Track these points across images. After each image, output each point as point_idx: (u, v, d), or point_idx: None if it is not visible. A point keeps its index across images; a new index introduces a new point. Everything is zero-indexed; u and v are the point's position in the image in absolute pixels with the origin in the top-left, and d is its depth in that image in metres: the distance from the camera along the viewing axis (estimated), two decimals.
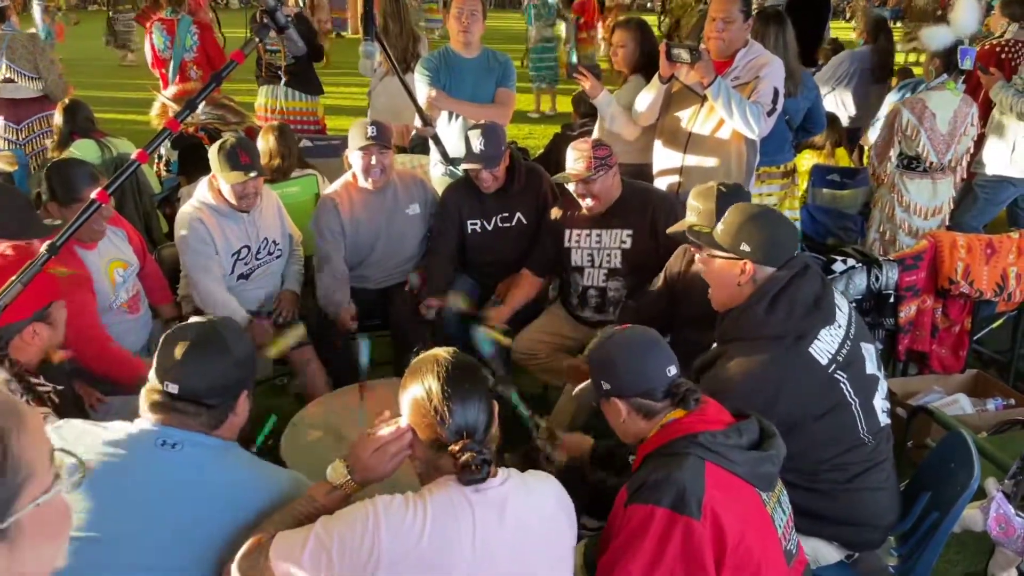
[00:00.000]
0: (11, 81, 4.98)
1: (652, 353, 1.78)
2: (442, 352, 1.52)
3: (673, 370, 1.76)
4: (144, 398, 1.55)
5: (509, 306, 3.21)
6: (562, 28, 9.49)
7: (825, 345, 2.00)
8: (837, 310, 2.08)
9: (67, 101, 4.21)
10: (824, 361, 1.99)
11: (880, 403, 2.12)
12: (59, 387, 1.99)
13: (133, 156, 2.00)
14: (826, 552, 2.09)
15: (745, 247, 2.04)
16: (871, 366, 2.11)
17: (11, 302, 1.83)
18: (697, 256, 2.21)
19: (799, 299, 2.01)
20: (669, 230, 2.44)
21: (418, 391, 1.47)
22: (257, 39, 2.23)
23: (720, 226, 2.11)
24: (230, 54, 2.14)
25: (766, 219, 2.09)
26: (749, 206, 2.17)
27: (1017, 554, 2.32)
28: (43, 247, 1.96)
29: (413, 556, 1.34)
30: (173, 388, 1.51)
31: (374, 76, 5.04)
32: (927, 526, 2.10)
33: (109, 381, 2.55)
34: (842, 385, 2.01)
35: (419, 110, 3.49)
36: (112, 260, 2.87)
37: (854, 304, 3.30)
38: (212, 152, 3.01)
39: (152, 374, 1.56)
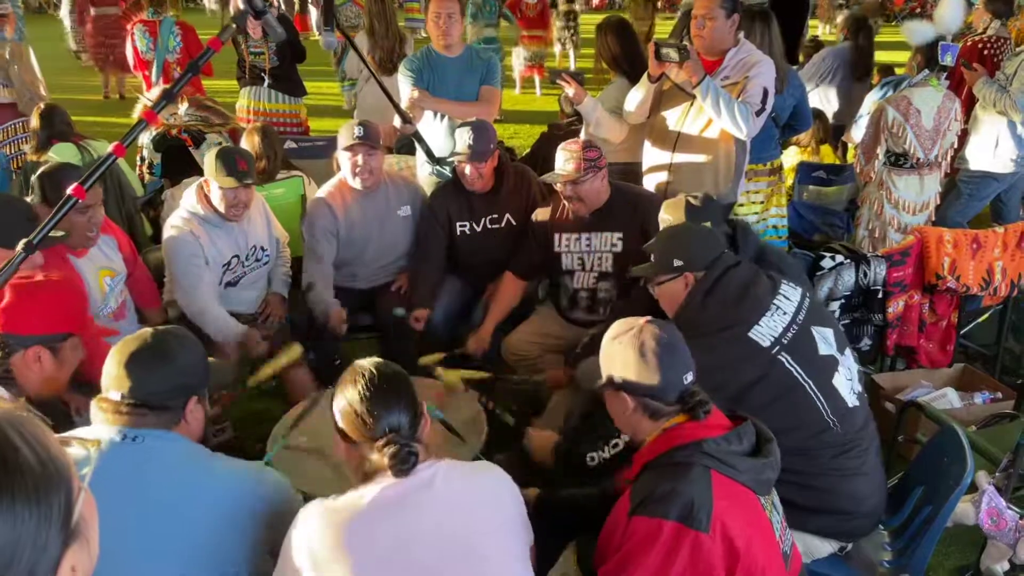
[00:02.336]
0: None
1: (672, 356, 1.72)
2: (364, 363, 1.62)
3: (690, 377, 1.72)
4: (94, 407, 1.57)
5: (490, 322, 3.20)
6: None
7: (767, 329, 2.11)
8: (781, 297, 2.19)
9: (43, 106, 4.16)
10: (766, 344, 2.09)
11: (844, 384, 2.14)
12: (49, 421, 1.94)
13: (110, 149, 1.97)
14: (817, 545, 2.09)
15: (677, 262, 2.25)
16: (826, 348, 2.17)
17: None
18: (652, 291, 2.36)
19: (730, 291, 2.18)
20: (633, 271, 2.48)
21: (343, 401, 1.57)
22: (235, 25, 2.20)
23: (653, 257, 2.34)
24: (206, 41, 2.11)
25: (684, 232, 2.38)
26: (668, 229, 2.48)
27: (1009, 546, 2.33)
28: (19, 245, 1.92)
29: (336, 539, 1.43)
30: (116, 395, 1.55)
31: (359, 77, 5.02)
32: (921, 520, 2.11)
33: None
34: (789, 367, 2.08)
35: (398, 109, 3.47)
36: (101, 268, 2.83)
37: (843, 300, 3.33)
38: (208, 156, 2.97)
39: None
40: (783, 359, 2.09)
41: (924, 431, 2.79)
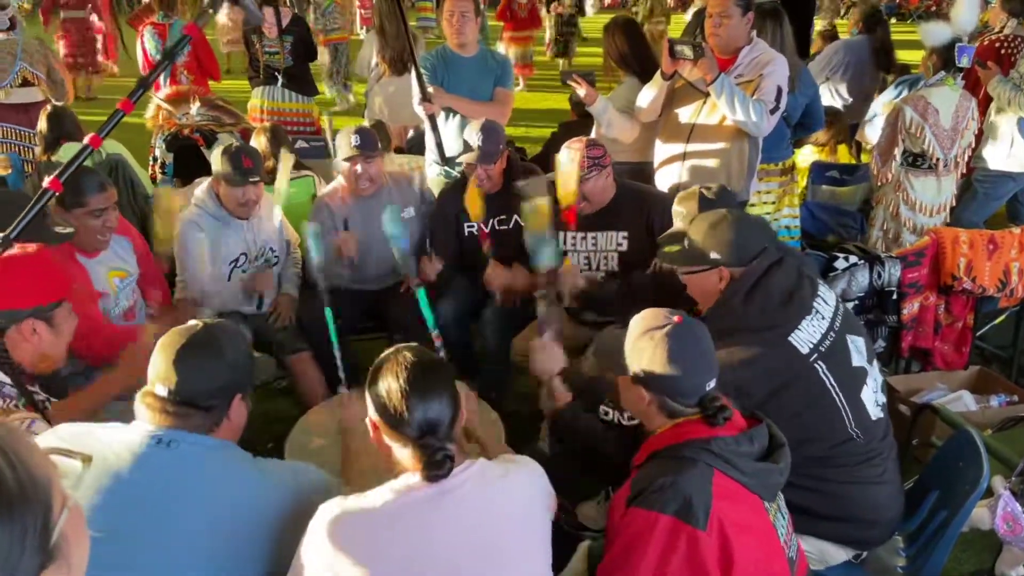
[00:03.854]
0: (28, 84, 5.00)
1: (699, 360, 1.68)
2: (405, 350, 1.53)
3: (712, 384, 1.68)
4: (139, 401, 1.54)
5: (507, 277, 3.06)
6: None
7: (806, 335, 2.01)
8: (820, 300, 2.09)
9: (49, 108, 4.19)
10: (805, 351, 2.00)
11: (870, 396, 2.10)
12: (53, 399, 1.94)
13: (86, 141, 1.96)
14: (832, 552, 2.06)
15: (715, 255, 2.09)
16: (858, 358, 2.10)
17: None
18: (680, 278, 2.22)
19: (774, 290, 2.04)
20: (660, 259, 2.39)
21: (380, 387, 1.49)
22: (211, 11, 2.19)
23: (687, 243, 2.16)
24: (185, 28, 2.09)
25: (727, 222, 2.13)
26: (709, 215, 2.20)
27: None
28: None
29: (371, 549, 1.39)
30: (163, 391, 1.51)
31: (370, 77, 5.02)
32: (935, 525, 2.08)
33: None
34: (822, 376, 2.00)
35: (422, 88, 3.43)
36: (112, 269, 2.84)
37: (857, 301, 3.30)
38: (215, 156, 2.98)
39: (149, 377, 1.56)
40: (819, 367, 2.00)
41: (939, 434, 2.76)
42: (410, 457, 1.46)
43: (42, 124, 4.09)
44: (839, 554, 2.08)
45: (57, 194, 1.92)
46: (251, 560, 1.50)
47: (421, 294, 2.60)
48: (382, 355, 1.55)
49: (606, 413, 2.18)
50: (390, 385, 1.48)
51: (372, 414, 1.52)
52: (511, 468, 1.56)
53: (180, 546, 1.44)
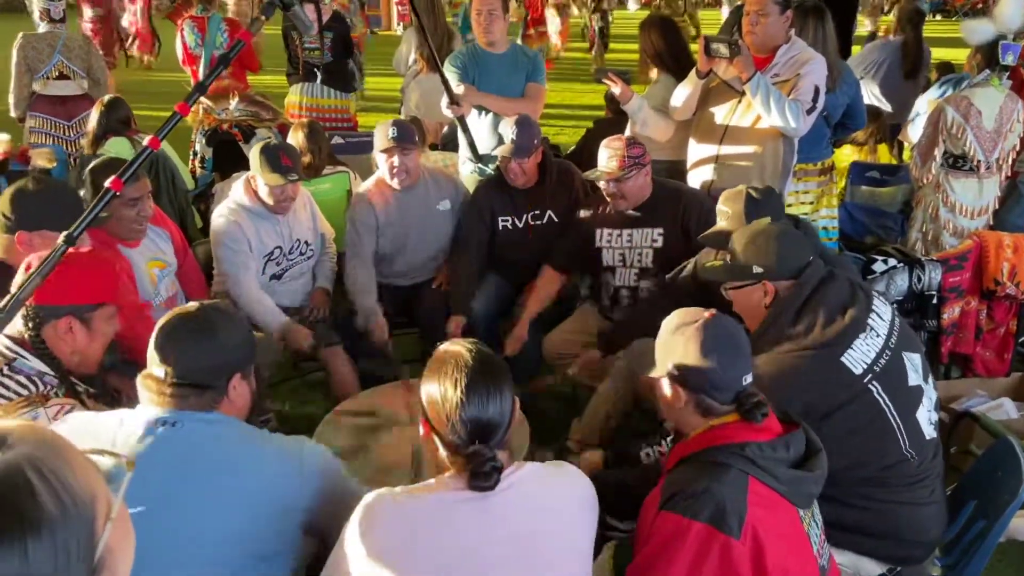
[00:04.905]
0: (64, 78, 5.12)
1: (734, 355, 1.66)
2: (464, 349, 1.47)
3: (748, 379, 1.66)
4: (140, 383, 1.58)
5: (526, 318, 3.16)
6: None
7: (859, 355, 1.93)
8: (875, 316, 2.00)
9: (106, 99, 4.25)
10: (858, 371, 1.92)
11: (925, 416, 2.03)
12: (91, 390, 1.98)
13: (145, 143, 1.99)
14: (867, 566, 2.01)
15: (758, 268, 2.02)
16: (915, 377, 2.02)
17: (29, 296, 1.81)
18: (724, 294, 2.16)
19: (825, 308, 1.96)
20: (701, 273, 2.37)
21: (435, 389, 1.44)
22: (263, 17, 2.21)
23: (729, 258, 2.11)
24: (239, 33, 2.13)
25: (769, 234, 2.07)
26: (750, 228, 2.15)
27: None
28: (60, 237, 1.95)
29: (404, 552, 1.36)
30: (160, 372, 1.55)
31: (407, 74, 5.05)
32: (973, 535, 2.04)
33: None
34: (877, 398, 1.92)
35: (449, 92, 3.46)
36: (151, 259, 2.89)
37: (895, 305, 3.23)
38: (253, 152, 3.02)
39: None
40: (873, 388, 1.92)
41: (978, 442, 2.70)
42: (458, 463, 1.42)
43: (94, 116, 4.17)
44: (874, 568, 2.03)
45: (115, 192, 1.95)
46: (254, 535, 1.51)
47: None
48: (438, 350, 1.50)
49: (647, 456, 2.19)
50: (444, 387, 1.42)
51: (423, 414, 1.48)
52: (556, 471, 1.54)
53: (191, 523, 1.47)
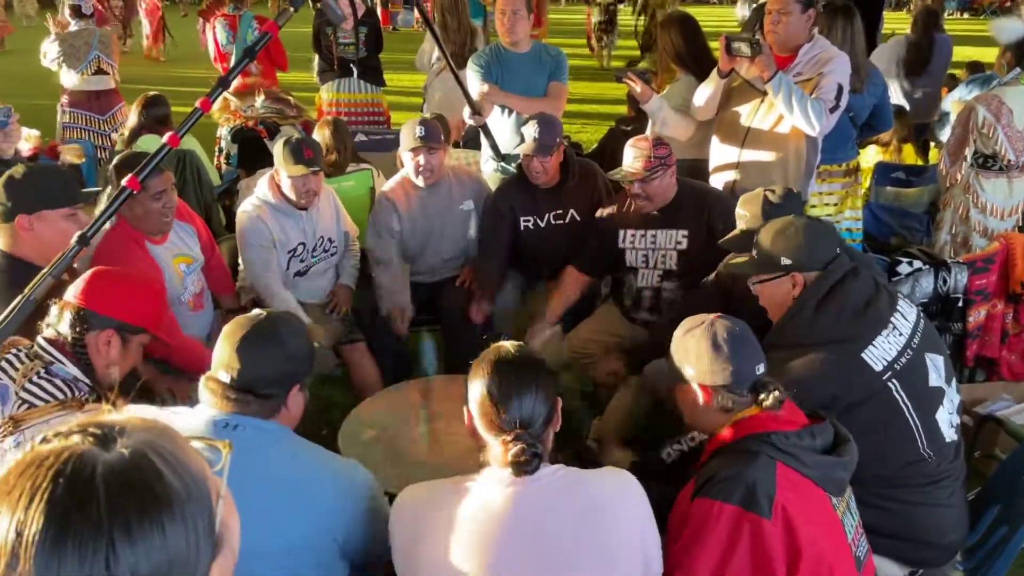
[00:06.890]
0: (101, 72, 5.21)
1: (744, 347, 1.71)
2: (504, 347, 1.58)
3: (761, 368, 1.72)
4: (202, 385, 1.60)
5: (551, 317, 3.17)
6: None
7: (881, 352, 1.95)
8: (898, 315, 2.02)
9: (149, 94, 4.32)
10: (878, 368, 1.93)
11: (946, 417, 2.02)
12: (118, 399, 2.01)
13: (164, 139, 2.01)
14: (888, 568, 2.01)
15: (785, 260, 2.05)
16: (936, 378, 2.02)
17: (43, 295, 1.83)
18: (752, 288, 2.19)
19: (848, 302, 1.99)
20: (727, 267, 2.38)
21: (478, 385, 1.54)
22: (292, 8, 2.23)
23: (755, 252, 2.13)
24: (265, 26, 2.13)
25: (795, 227, 2.10)
26: (777, 222, 2.17)
27: None
28: (74, 238, 1.97)
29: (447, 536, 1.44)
30: (225, 377, 1.57)
31: (430, 71, 5.07)
32: (996, 540, 2.03)
33: (179, 369, 2.61)
34: (896, 396, 1.93)
35: (469, 100, 3.48)
36: (178, 255, 2.92)
37: (919, 307, 3.21)
38: (277, 147, 3.06)
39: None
40: (892, 386, 1.94)
41: (1003, 447, 2.69)
42: (501, 451, 1.49)
43: (133, 113, 4.23)
44: (896, 570, 2.03)
45: (133, 191, 1.97)
46: (300, 547, 1.53)
47: (429, 347, 2.64)
48: (485, 350, 1.60)
49: (668, 455, 2.21)
50: (485, 382, 1.53)
51: (469, 405, 1.57)
52: (602, 473, 1.59)
53: (248, 528, 1.48)
